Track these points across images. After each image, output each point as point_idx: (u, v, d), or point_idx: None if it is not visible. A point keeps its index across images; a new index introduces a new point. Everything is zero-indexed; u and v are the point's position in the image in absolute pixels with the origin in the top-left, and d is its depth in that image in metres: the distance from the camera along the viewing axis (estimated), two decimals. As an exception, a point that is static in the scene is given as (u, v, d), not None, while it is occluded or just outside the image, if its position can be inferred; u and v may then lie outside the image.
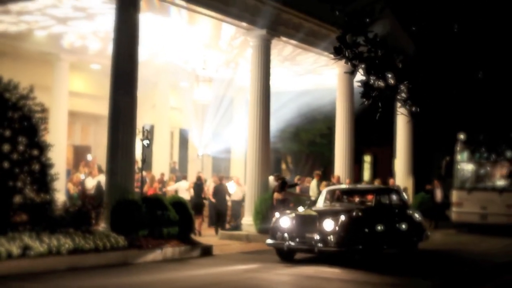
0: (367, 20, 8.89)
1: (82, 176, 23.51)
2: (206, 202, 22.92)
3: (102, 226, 16.53)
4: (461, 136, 10.78)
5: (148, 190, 22.13)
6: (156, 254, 15.78)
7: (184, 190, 22.73)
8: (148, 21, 19.45)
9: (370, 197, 19.05)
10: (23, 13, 20.19)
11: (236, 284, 12.95)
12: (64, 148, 24.78)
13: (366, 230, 16.22)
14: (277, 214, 17.33)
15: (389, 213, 18.04)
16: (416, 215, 19.25)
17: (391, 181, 26.15)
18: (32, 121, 14.80)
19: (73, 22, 20.97)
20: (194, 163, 31.33)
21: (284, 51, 24.98)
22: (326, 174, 28.65)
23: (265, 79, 21.96)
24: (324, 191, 18.90)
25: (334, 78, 26.54)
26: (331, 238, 15.53)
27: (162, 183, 24.16)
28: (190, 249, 16.90)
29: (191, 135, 31.25)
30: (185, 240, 17.36)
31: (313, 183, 23.69)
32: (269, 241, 16.57)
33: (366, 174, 43.84)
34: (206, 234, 21.61)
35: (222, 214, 22.82)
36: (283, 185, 20.60)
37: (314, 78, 29.61)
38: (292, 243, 16.02)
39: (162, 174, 25.13)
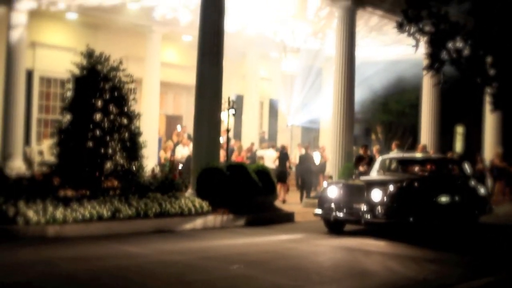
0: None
1: (172, 145, 24.31)
2: (291, 171, 23.40)
3: (188, 192, 17.31)
4: None
5: (236, 158, 22.76)
6: (238, 220, 16.49)
7: (271, 158, 23.38)
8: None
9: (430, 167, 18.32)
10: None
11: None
12: (157, 117, 25.65)
13: (419, 201, 15.46)
14: (324, 184, 17.15)
15: (447, 184, 17.28)
16: (480, 187, 18.46)
17: (449, 153, 25.61)
18: (122, 92, 15.64)
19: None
20: (284, 133, 31.89)
21: (370, 21, 25.01)
22: (415, 145, 28.69)
23: (349, 50, 22.16)
24: (378, 160, 18.45)
25: (420, 48, 26.41)
26: (379, 209, 14.96)
27: (251, 152, 24.80)
28: (272, 216, 17.52)
29: (280, 106, 31.74)
30: (268, 207, 18.03)
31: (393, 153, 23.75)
32: (317, 211, 16.18)
33: (458, 145, 43.30)
34: (291, 202, 22.16)
35: (307, 183, 23.29)
36: (365, 159, 20.41)
37: (402, 48, 29.51)
38: (339, 214, 15.58)
39: (252, 144, 25.78)
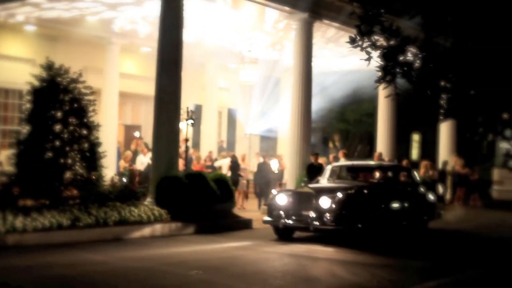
0: (382, 10, 9.56)
1: (131, 154, 24.43)
2: (241, 179, 23.59)
3: (147, 200, 17.53)
4: (504, 116, 11.25)
5: (195, 167, 22.99)
6: (196, 228, 16.74)
7: (227, 167, 23.73)
8: (193, 7, 20.16)
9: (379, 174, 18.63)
10: (75, 0, 21.17)
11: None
12: (116, 127, 25.81)
13: (367, 208, 15.64)
14: (273, 191, 17.30)
15: (395, 191, 17.49)
16: (428, 194, 18.70)
17: (404, 161, 26.24)
18: (82, 103, 15.86)
19: (123, 7, 21.83)
20: (242, 142, 32.19)
21: (327, 33, 25.47)
22: (372, 153, 29.21)
23: (307, 61, 22.56)
24: (328, 168, 18.46)
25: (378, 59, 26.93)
26: (327, 216, 15.08)
27: (211, 160, 25.07)
28: (230, 223, 17.82)
29: (239, 115, 32.04)
30: (226, 214, 18.33)
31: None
32: (266, 218, 16.34)
33: (414, 153, 44.00)
34: (250, 209, 22.45)
35: (264, 190, 23.62)
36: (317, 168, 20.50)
37: (358, 58, 29.96)
38: (288, 221, 15.68)
39: (211, 152, 26.05)
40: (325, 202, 15.30)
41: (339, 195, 15.38)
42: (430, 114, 10.68)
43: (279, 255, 13.88)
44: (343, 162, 21.47)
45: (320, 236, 15.89)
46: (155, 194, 17.39)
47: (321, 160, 21.95)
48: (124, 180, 17.64)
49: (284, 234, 16.12)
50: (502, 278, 11.52)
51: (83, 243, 14.00)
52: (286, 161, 24.37)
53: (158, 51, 18.45)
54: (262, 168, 24.13)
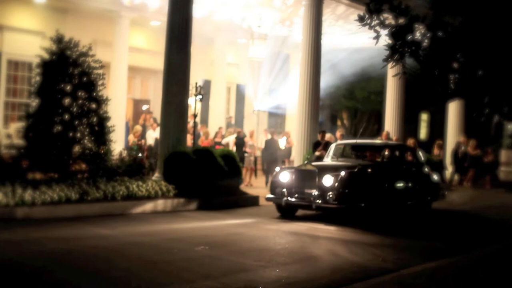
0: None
1: (141, 129, 24.46)
2: (246, 155, 23.62)
3: (156, 175, 17.63)
4: None
5: (202, 143, 23.05)
6: (203, 203, 16.83)
7: (233, 144, 23.79)
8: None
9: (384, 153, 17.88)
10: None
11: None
12: (124, 101, 25.80)
13: (370, 187, 15.60)
14: (277, 169, 17.19)
15: (399, 170, 17.40)
16: (433, 174, 18.68)
17: (411, 140, 26.20)
18: (91, 77, 15.91)
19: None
20: (250, 118, 32.21)
21: (337, 10, 25.38)
22: (380, 132, 29.22)
23: (316, 38, 22.49)
24: (333, 146, 18.28)
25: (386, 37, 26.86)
26: (330, 194, 15.00)
27: (222, 137, 25.11)
28: (237, 200, 17.93)
29: (247, 91, 32.03)
30: (234, 191, 18.41)
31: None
32: (269, 196, 16.25)
33: (423, 132, 44.02)
34: (257, 186, 22.54)
35: (272, 167, 23.64)
36: (322, 144, 20.42)
37: (368, 36, 29.87)
38: (291, 199, 15.60)
39: (221, 128, 26.08)
40: (328, 180, 15.22)
41: (342, 173, 15.27)
42: (438, 93, 10.61)
43: (280, 233, 13.72)
44: (347, 141, 21.11)
45: (323, 215, 15.87)
46: (163, 170, 17.48)
47: (328, 137, 21.91)
48: (134, 153, 17.64)
49: (286, 212, 16.09)
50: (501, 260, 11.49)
51: (91, 217, 14.14)
52: (294, 138, 24.38)
53: (167, 25, 18.43)
54: (270, 144, 24.18)
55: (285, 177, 16.04)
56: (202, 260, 10.36)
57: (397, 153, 18.06)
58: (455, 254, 11.74)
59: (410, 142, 24.80)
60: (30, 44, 21.07)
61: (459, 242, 13.63)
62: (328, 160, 17.59)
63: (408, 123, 32.73)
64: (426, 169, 18.64)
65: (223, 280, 9.00)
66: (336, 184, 15.08)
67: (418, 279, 9.49)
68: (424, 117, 44.38)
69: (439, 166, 24.32)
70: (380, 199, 15.75)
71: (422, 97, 32.78)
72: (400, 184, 17.03)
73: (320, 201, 15.11)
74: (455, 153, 27.85)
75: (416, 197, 17.59)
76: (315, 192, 15.29)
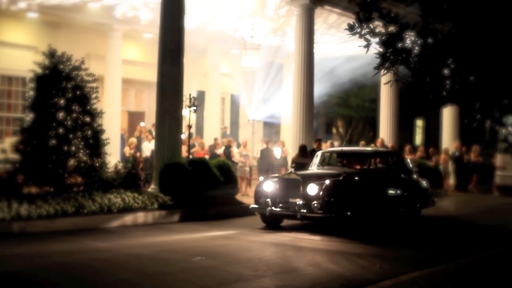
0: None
1: (136, 141, 24.46)
2: (241, 165, 23.53)
3: (152, 187, 17.66)
4: (505, 102, 11.24)
5: (197, 154, 23.06)
6: (200, 214, 16.82)
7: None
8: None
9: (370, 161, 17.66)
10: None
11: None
12: (119, 114, 25.83)
13: (356, 195, 15.25)
14: (260, 178, 16.75)
15: (387, 177, 17.14)
16: (421, 180, 18.36)
17: (407, 147, 26.11)
18: (84, 90, 15.97)
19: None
20: (245, 128, 32.24)
21: (329, 19, 25.47)
22: (375, 139, 29.28)
23: (308, 47, 22.53)
24: (318, 154, 17.83)
25: (377, 46, 26.97)
26: (315, 203, 14.65)
27: (217, 147, 25.09)
28: (232, 210, 17.92)
29: (241, 101, 32.06)
30: (230, 201, 18.43)
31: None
32: (253, 206, 15.97)
33: (418, 138, 44.10)
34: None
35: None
36: (304, 150, 20.04)
37: (359, 44, 29.95)
38: (275, 209, 15.25)
39: (216, 139, 26.09)
40: (312, 189, 14.92)
41: (327, 182, 14.97)
42: (431, 100, 10.62)
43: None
44: (332, 148, 21.03)
45: (309, 225, 15.55)
46: (158, 181, 17.50)
47: (324, 146, 21.95)
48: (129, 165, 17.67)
49: (271, 222, 15.76)
50: (490, 267, 11.28)
51: (87, 230, 14.15)
52: (289, 147, 24.41)
53: (160, 37, 18.50)
54: (265, 154, 24.22)
55: (269, 186, 15.68)
56: (199, 271, 10.40)
57: (384, 160, 17.84)
58: (439, 263, 11.35)
59: (407, 148, 24.82)
60: (23, 59, 21.08)
61: (444, 251, 13.12)
62: (313, 169, 17.22)
63: (403, 129, 32.84)
64: (414, 176, 18.36)
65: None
66: (321, 193, 14.80)
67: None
68: (419, 123, 44.46)
69: (434, 173, 24.45)
70: (367, 207, 15.44)
71: (416, 104, 32.97)
72: (387, 192, 16.77)
73: (305, 211, 14.80)
74: (458, 159, 27.88)
75: (405, 205, 17.32)
76: (299, 202, 14.97)
